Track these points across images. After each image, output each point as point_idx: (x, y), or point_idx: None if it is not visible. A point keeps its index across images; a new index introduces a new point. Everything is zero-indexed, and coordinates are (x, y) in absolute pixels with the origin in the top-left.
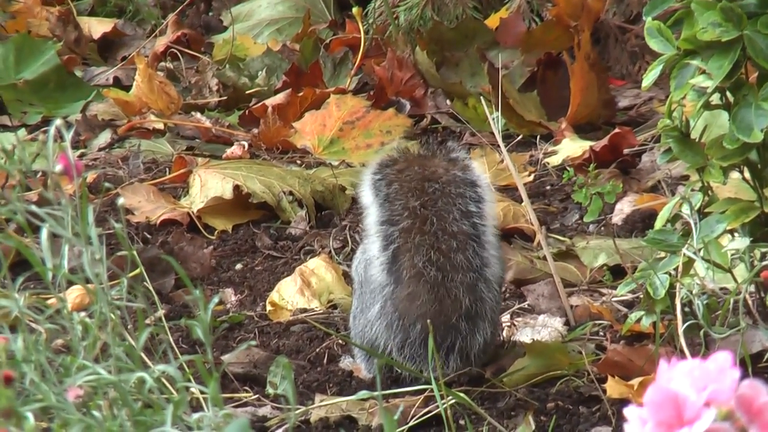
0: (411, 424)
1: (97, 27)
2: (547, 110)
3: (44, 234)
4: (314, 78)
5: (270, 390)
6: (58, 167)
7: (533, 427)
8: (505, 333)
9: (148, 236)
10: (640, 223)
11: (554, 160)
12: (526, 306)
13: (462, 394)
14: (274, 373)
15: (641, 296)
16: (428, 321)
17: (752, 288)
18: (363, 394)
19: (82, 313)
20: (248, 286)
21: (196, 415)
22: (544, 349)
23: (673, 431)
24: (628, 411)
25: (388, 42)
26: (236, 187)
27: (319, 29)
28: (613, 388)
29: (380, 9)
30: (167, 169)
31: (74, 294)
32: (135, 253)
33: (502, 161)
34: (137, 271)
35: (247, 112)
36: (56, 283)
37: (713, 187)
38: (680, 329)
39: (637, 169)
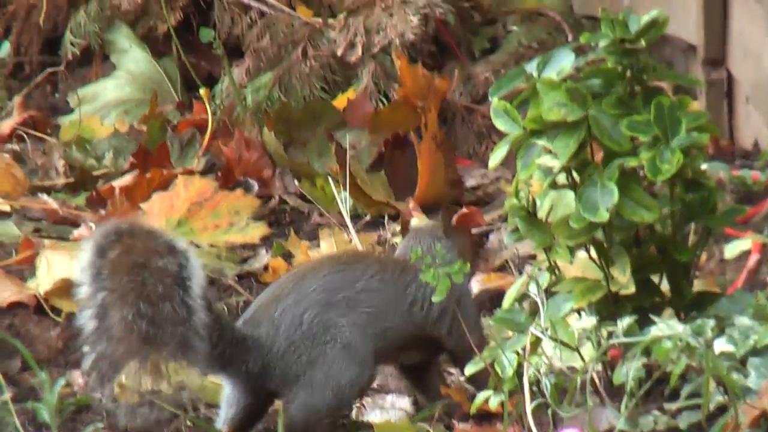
0: None
1: None
2: (395, 190)
3: None
4: (162, 159)
5: None
6: None
7: None
8: (353, 413)
9: None
10: (488, 302)
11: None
12: (374, 386)
13: None
14: None
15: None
16: None
17: (599, 367)
18: None
19: None
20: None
21: None
22: (393, 429)
23: None
24: None
25: (235, 123)
26: None
27: (167, 110)
28: None
29: (228, 90)
30: (14, 251)
31: None
32: None
33: (350, 241)
34: None
35: (94, 193)
36: None
37: (560, 267)
38: (528, 408)
39: (485, 248)
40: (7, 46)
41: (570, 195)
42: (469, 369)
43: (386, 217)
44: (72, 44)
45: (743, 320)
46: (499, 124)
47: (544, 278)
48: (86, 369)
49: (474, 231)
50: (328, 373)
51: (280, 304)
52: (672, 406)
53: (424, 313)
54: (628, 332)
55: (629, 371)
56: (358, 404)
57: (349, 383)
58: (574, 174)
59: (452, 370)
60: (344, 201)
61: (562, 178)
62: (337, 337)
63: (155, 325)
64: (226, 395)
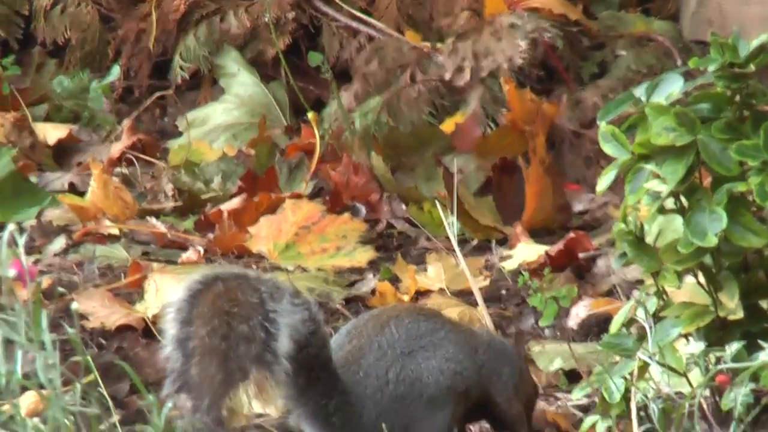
0: None
1: (52, 133)
2: (503, 215)
3: None
4: (270, 183)
5: None
6: (12, 273)
7: None
8: None
9: (103, 342)
10: (596, 327)
11: (510, 265)
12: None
13: None
14: None
15: (596, 400)
16: None
17: (707, 392)
18: None
19: (36, 419)
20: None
21: None
22: None
23: None
24: None
25: (343, 147)
26: None
27: (275, 134)
28: None
29: (336, 114)
30: (122, 274)
31: (28, 400)
32: (89, 358)
33: (457, 266)
34: (91, 376)
35: (202, 217)
36: (9, 389)
37: (668, 292)
38: None
39: (592, 273)
40: (117, 70)
41: (678, 220)
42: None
43: (493, 242)
44: (181, 68)
45: None
46: (607, 148)
47: (652, 303)
48: (168, 393)
49: (581, 256)
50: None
51: (364, 361)
52: None
53: (489, 375)
54: (736, 358)
55: (737, 397)
56: (469, 429)
57: (446, 427)
58: (683, 199)
59: (560, 395)
60: (452, 225)
61: (670, 203)
62: (423, 392)
63: (228, 340)
64: None
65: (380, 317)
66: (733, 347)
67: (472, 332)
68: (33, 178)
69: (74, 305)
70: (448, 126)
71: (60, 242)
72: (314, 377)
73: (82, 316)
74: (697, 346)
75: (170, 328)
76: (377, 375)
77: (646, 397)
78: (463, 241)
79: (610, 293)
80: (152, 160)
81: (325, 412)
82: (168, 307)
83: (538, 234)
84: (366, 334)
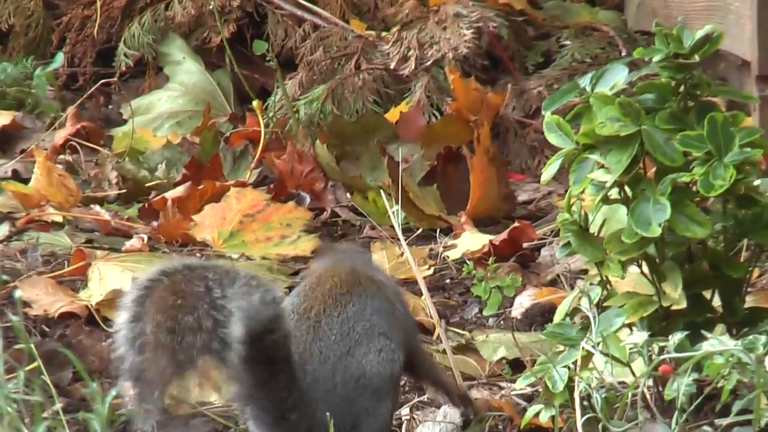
0: None
1: None
2: (447, 204)
3: None
4: (214, 171)
5: None
6: None
7: None
8: (404, 427)
9: (47, 329)
10: (540, 316)
11: (454, 254)
12: (426, 399)
13: None
14: None
15: (540, 390)
16: None
17: (650, 382)
18: None
19: None
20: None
21: None
22: None
23: None
24: None
25: (288, 135)
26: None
27: (219, 122)
28: None
29: (281, 102)
30: (66, 262)
31: None
32: (32, 346)
33: (402, 255)
34: (35, 364)
35: (146, 205)
36: None
37: (612, 281)
38: (579, 423)
39: (536, 262)
40: (61, 57)
41: (622, 210)
42: (521, 382)
43: (438, 231)
44: (125, 56)
45: None
46: (552, 138)
47: (596, 293)
48: (122, 384)
49: (526, 245)
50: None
51: (309, 367)
52: (723, 422)
53: (411, 329)
54: (679, 348)
55: (680, 387)
56: (409, 417)
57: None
58: (627, 189)
59: (503, 384)
60: (396, 214)
61: (614, 193)
62: (368, 386)
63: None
64: None
65: (308, 312)
66: (677, 337)
67: (381, 286)
68: None
69: (17, 293)
70: (392, 115)
71: (3, 229)
72: (276, 369)
73: (26, 304)
74: (640, 336)
75: (121, 329)
76: (324, 379)
77: (590, 386)
78: (407, 230)
79: (554, 283)
80: (96, 147)
81: (283, 407)
82: (118, 308)
83: (482, 223)
84: (301, 338)
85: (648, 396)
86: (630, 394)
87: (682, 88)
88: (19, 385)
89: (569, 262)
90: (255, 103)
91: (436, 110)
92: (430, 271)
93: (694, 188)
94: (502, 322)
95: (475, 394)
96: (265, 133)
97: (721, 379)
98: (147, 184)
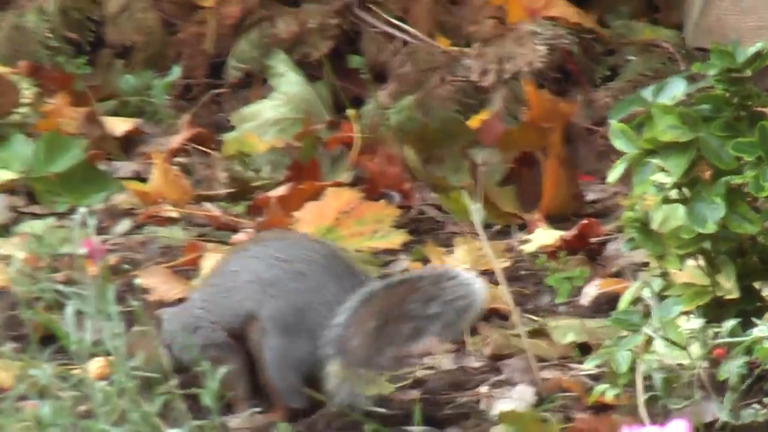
0: None
1: (119, 126)
2: (523, 203)
3: (69, 311)
4: (313, 172)
5: None
6: (83, 251)
7: None
8: (483, 403)
9: None
10: (606, 304)
11: (528, 248)
12: (502, 379)
13: None
14: None
15: (606, 371)
16: None
17: (705, 364)
18: None
19: (103, 382)
20: None
21: None
22: (518, 417)
23: None
24: None
25: (379, 141)
26: None
27: (318, 129)
28: None
29: (373, 111)
30: (180, 253)
31: (96, 365)
32: (151, 328)
33: (481, 249)
34: (153, 344)
35: (252, 202)
36: (80, 355)
37: (671, 273)
38: (641, 400)
39: (603, 256)
40: (177, 70)
41: (681, 209)
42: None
43: (514, 227)
44: (235, 69)
45: None
46: (618, 144)
47: (657, 283)
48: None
49: (593, 240)
50: None
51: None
52: None
53: None
54: (731, 333)
55: (732, 368)
56: (487, 394)
57: None
58: (685, 190)
59: (573, 365)
60: (476, 212)
61: (673, 194)
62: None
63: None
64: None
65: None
66: (729, 324)
67: None
68: (102, 167)
69: (137, 281)
70: (474, 122)
71: (125, 224)
72: None
73: (145, 291)
74: (696, 323)
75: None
76: None
77: (651, 367)
78: (486, 227)
79: (619, 274)
80: (208, 151)
81: None
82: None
83: (554, 220)
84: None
85: (703, 377)
86: (687, 375)
87: (735, 100)
88: (139, 363)
89: (633, 256)
90: (350, 112)
91: (513, 119)
92: (507, 263)
93: (745, 189)
94: (571, 309)
95: (546, 374)
96: (359, 139)
97: None
98: (253, 184)
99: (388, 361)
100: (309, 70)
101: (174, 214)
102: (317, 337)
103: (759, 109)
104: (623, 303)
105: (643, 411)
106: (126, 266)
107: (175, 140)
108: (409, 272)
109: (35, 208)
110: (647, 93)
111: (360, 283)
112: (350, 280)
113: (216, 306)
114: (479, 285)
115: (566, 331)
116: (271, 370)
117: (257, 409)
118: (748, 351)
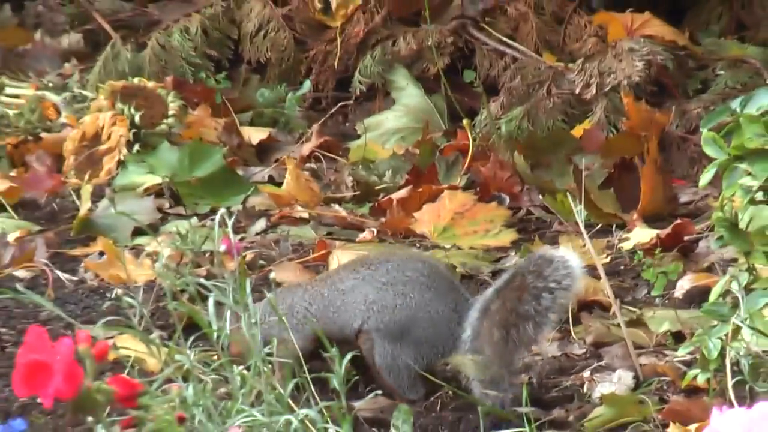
0: None
1: (255, 135)
2: (622, 204)
3: (211, 302)
4: (431, 177)
5: None
6: (222, 248)
7: None
8: (585, 386)
9: None
10: (698, 297)
11: (627, 245)
12: (603, 364)
13: None
14: (397, 418)
15: (698, 357)
16: None
17: None
18: None
19: (241, 367)
20: None
21: None
22: (618, 400)
23: None
24: None
25: (491, 148)
26: None
27: (436, 137)
28: None
29: (485, 121)
30: (311, 250)
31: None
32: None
33: (584, 246)
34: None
35: (376, 204)
36: (220, 342)
37: (757, 268)
38: (729, 384)
39: (695, 252)
40: (308, 83)
41: (766, 210)
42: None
43: (614, 227)
44: (360, 83)
45: None
46: (708, 150)
47: (744, 278)
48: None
49: (686, 238)
50: None
51: None
52: None
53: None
54: None
55: None
56: (590, 378)
57: None
58: None
59: (667, 352)
60: (579, 213)
61: (759, 196)
62: None
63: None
64: None
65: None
66: None
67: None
68: (239, 172)
69: (272, 275)
70: (577, 131)
71: (261, 224)
72: None
73: (279, 284)
74: None
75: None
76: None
77: (739, 354)
78: (588, 226)
79: (710, 269)
80: (335, 157)
81: None
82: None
83: (650, 220)
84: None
85: None
86: None
87: None
88: (273, 350)
89: (722, 253)
90: (465, 122)
91: (613, 128)
92: (608, 259)
93: None
94: (666, 301)
95: (643, 360)
96: (473, 146)
97: None
98: (376, 187)
99: (519, 361)
100: (427, 83)
101: (305, 215)
102: (422, 347)
103: None
104: (713, 295)
105: (731, 394)
106: (261, 262)
107: (306, 148)
108: (513, 267)
109: (180, 210)
110: (735, 104)
111: (460, 297)
112: (452, 295)
113: (322, 315)
114: (574, 259)
115: (661, 321)
116: (384, 373)
117: (380, 393)
118: None
